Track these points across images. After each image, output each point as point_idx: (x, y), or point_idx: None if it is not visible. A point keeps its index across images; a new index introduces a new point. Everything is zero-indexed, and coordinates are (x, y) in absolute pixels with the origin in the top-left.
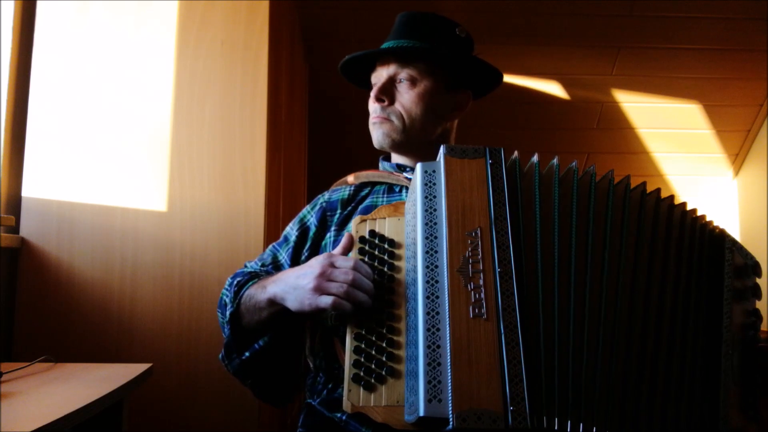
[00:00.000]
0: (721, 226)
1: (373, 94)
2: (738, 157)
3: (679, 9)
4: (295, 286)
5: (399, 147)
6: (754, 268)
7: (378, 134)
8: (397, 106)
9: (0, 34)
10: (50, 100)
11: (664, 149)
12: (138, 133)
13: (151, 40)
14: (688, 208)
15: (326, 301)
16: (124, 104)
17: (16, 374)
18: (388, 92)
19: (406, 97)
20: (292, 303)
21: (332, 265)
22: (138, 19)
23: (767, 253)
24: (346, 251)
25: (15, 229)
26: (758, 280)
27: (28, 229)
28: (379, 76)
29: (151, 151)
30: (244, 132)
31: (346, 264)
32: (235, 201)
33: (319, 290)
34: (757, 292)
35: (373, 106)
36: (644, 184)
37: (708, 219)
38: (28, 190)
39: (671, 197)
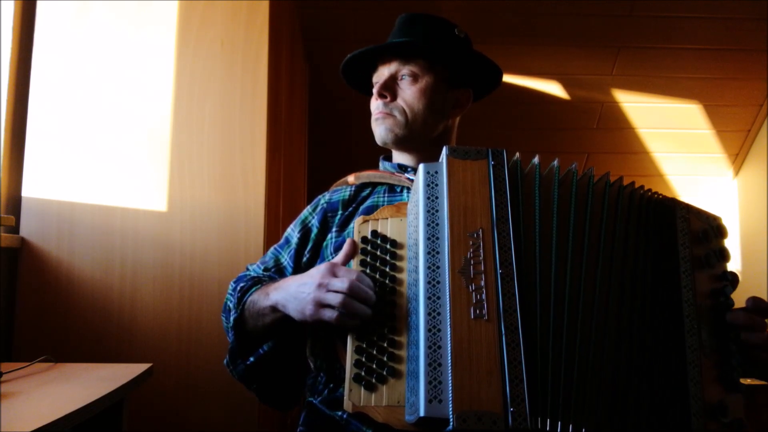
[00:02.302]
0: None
1: (375, 90)
2: (738, 157)
3: (679, 9)
4: (296, 295)
5: (402, 143)
6: (718, 230)
7: (381, 130)
8: (400, 101)
9: (0, 34)
10: (50, 100)
11: (664, 149)
12: (138, 133)
13: (151, 40)
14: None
15: (329, 315)
16: (124, 104)
17: (16, 374)
18: (390, 88)
19: (408, 93)
20: (294, 312)
21: (333, 275)
22: (138, 19)
23: (767, 253)
24: (348, 258)
25: (15, 229)
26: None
27: (28, 229)
28: (381, 75)
29: (151, 151)
30: (244, 132)
31: (347, 275)
32: (235, 201)
33: (318, 301)
34: (724, 255)
35: (376, 103)
36: (633, 183)
37: (655, 191)
38: (28, 190)
39: (648, 189)
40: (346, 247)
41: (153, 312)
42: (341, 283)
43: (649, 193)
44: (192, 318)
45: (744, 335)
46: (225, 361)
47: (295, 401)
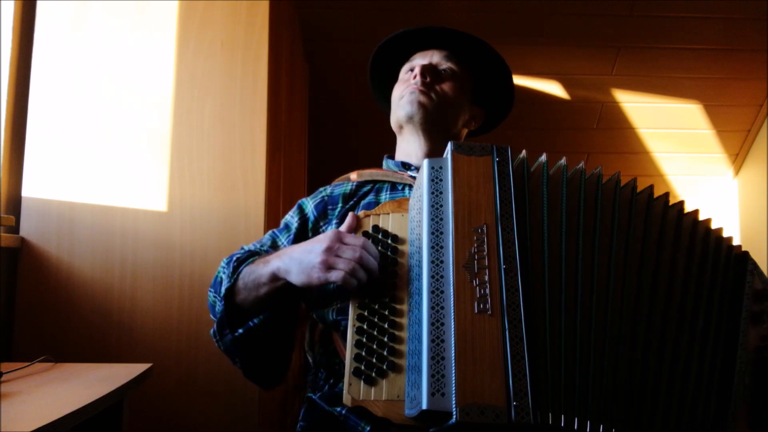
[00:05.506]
0: (742, 248)
1: (418, 70)
2: (738, 157)
3: (679, 9)
4: (301, 260)
5: (426, 122)
6: None
7: (413, 102)
8: (437, 87)
9: (0, 34)
10: (50, 100)
11: (664, 149)
12: (138, 133)
13: (151, 40)
14: (687, 210)
15: (336, 276)
16: (124, 104)
17: (16, 374)
18: (432, 72)
19: (447, 84)
20: (297, 276)
21: (341, 241)
22: (138, 20)
23: (767, 252)
24: (350, 230)
25: (15, 229)
26: None
27: (28, 229)
28: (419, 61)
29: (152, 151)
30: (244, 132)
31: (355, 241)
32: (235, 201)
33: (327, 264)
34: None
35: (413, 81)
36: (651, 187)
37: (727, 235)
38: (28, 190)
39: (681, 203)
40: (348, 219)
41: (153, 312)
42: (350, 249)
43: (719, 234)
44: (192, 318)
45: None
46: (211, 331)
47: (278, 379)
